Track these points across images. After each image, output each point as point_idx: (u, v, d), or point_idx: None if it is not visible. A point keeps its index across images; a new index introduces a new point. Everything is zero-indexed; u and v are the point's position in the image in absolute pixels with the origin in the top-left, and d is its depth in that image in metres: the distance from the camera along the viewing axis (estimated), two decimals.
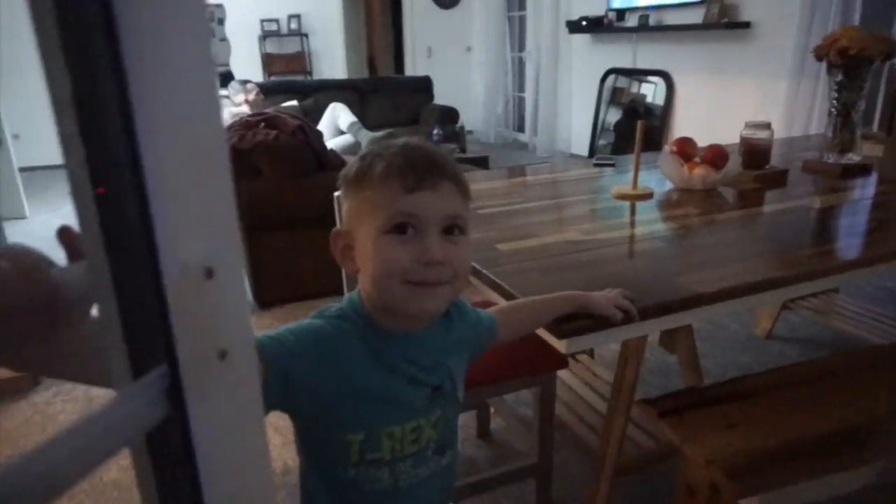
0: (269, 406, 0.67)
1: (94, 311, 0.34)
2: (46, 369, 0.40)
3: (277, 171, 2.62)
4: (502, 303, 1.05)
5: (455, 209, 0.71)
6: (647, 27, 4.98)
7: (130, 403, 0.29)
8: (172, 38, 0.27)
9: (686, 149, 1.75)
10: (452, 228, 0.71)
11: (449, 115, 5.27)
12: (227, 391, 0.32)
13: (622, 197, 1.64)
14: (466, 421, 1.95)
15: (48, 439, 0.26)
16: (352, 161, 0.75)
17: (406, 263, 0.68)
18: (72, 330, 0.38)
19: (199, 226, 0.29)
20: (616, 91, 5.49)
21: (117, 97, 0.26)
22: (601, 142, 5.59)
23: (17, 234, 3.95)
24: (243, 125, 2.69)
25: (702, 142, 1.81)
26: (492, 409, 1.91)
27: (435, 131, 4.40)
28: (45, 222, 4.27)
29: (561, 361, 1.48)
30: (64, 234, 0.37)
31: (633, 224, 1.49)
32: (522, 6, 6.62)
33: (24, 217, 4.45)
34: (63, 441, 0.26)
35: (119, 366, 0.30)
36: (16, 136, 4.74)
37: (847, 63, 1.77)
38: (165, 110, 0.27)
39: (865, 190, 1.76)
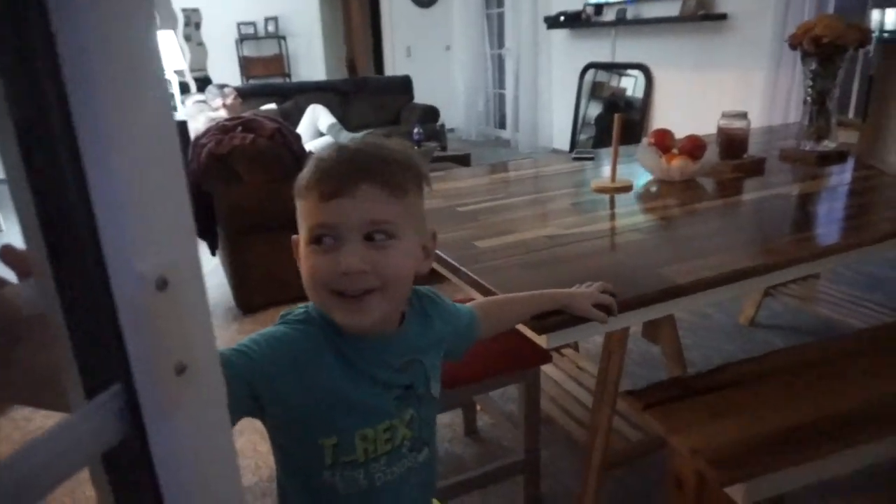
0: (239, 415, 0.66)
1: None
2: (4, 394, 0.39)
3: (256, 175, 2.60)
4: (480, 298, 1.04)
5: (376, 214, 0.67)
6: (625, 21, 5.00)
7: (84, 425, 0.28)
8: (114, 32, 0.25)
9: (664, 140, 1.75)
10: (374, 234, 0.68)
11: (430, 114, 5.26)
12: (188, 408, 0.31)
13: (601, 190, 1.64)
14: (453, 419, 1.95)
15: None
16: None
17: (325, 273, 0.67)
18: (31, 348, 0.37)
19: (151, 235, 0.28)
20: (596, 85, 5.51)
21: (56, 99, 0.25)
22: (582, 136, 5.61)
23: None
24: (220, 129, 2.66)
25: (682, 133, 1.82)
26: (478, 407, 1.91)
27: (416, 130, 4.39)
28: (21, 236, 4.19)
29: (544, 356, 1.48)
30: (6, 254, 0.35)
31: (612, 217, 1.49)
32: (500, 3, 6.62)
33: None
34: (10, 465, 0.25)
35: (72, 385, 0.29)
36: None
37: (821, 51, 1.78)
38: (109, 112, 0.26)
39: (842, 176, 1.78)
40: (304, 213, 0.69)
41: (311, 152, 2.95)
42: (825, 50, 1.77)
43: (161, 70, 0.28)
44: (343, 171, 0.67)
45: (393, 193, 0.68)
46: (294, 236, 0.74)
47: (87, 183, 0.26)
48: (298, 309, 0.74)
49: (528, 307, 0.97)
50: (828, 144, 1.89)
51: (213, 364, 0.32)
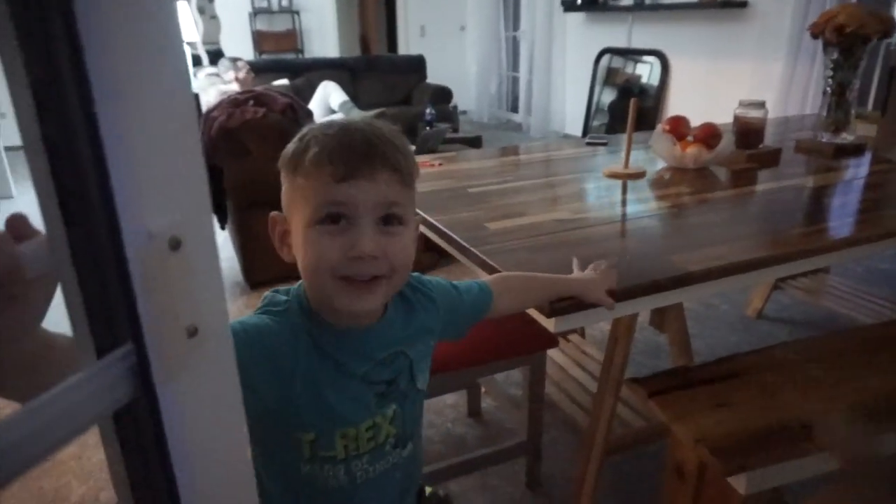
0: None
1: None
2: None
3: (266, 150, 2.59)
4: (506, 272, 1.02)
5: (392, 197, 0.65)
6: (643, 6, 4.93)
7: (94, 383, 0.28)
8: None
9: (679, 128, 1.73)
10: (391, 218, 0.66)
11: (442, 95, 5.22)
12: (198, 371, 0.31)
13: (614, 176, 1.63)
14: (457, 400, 1.96)
15: (6, 417, 0.25)
16: (293, 139, 0.69)
17: (335, 257, 0.64)
18: (28, 315, 0.37)
19: (165, 194, 0.28)
20: (611, 71, 5.45)
21: (71, 60, 0.25)
22: (595, 122, 5.55)
23: (3, 213, 3.89)
24: (231, 103, 2.65)
25: (697, 122, 1.80)
26: (482, 389, 1.91)
27: (428, 111, 4.36)
28: (33, 202, 4.20)
29: (551, 341, 1.47)
30: (15, 223, 0.35)
31: (624, 203, 1.48)
32: None
33: (10, 197, 4.40)
34: (23, 419, 0.25)
35: (82, 343, 0.29)
36: (2, 115, 4.66)
37: (843, 41, 1.75)
38: (125, 72, 0.26)
39: (859, 170, 1.75)
40: (310, 190, 0.65)
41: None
42: (847, 39, 1.74)
43: (177, 30, 0.27)
44: (361, 152, 0.64)
45: (405, 180, 0.67)
46: (274, 213, 0.71)
47: (100, 141, 0.25)
48: (280, 297, 0.71)
49: (546, 291, 0.96)
50: (845, 137, 1.86)
51: (223, 328, 0.32)
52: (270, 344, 0.66)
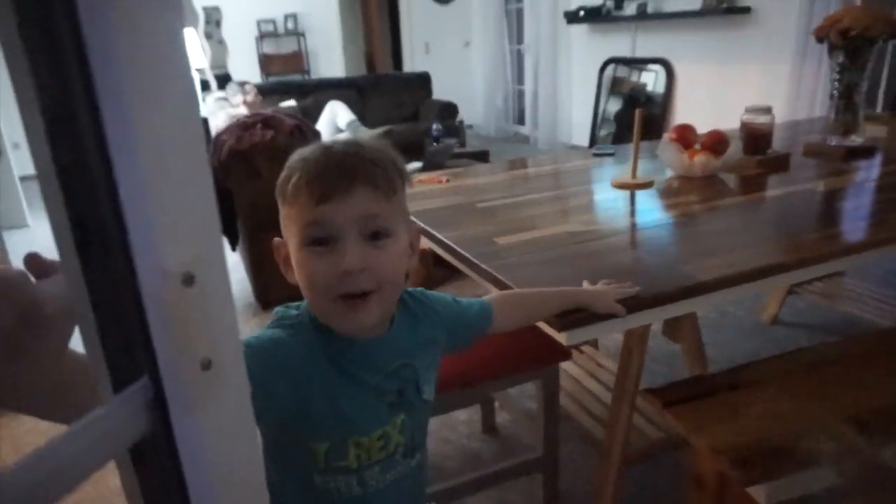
0: None
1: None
2: (13, 401, 0.39)
3: (275, 172, 2.60)
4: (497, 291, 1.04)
5: (371, 209, 0.67)
6: (646, 15, 4.94)
7: (111, 418, 0.28)
8: (143, 26, 0.26)
9: (686, 136, 1.73)
10: (375, 232, 0.68)
11: (448, 110, 5.25)
12: (213, 403, 0.31)
13: (621, 186, 1.63)
14: (471, 416, 1.95)
15: (28, 456, 0.25)
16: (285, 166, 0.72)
17: (326, 277, 0.67)
18: (53, 346, 0.37)
19: (178, 230, 0.28)
20: (616, 81, 5.46)
21: (84, 95, 0.25)
22: (602, 132, 5.56)
23: (19, 243, 3.95)
24: (240, 126, 2.68)
25: (704, 129, 1.80)
26: (496, 404, 1.90)
27: (434, 126, 4.39)
28: (47, 231, 4.26)
29: (564, 353, 1.47)
30: (32, 261, 0.36)
31: (633, 213, 1.48)
32: None
33: (25, 226, 4.46)
34: (42, 457, 0.25)
35: (100, 379, 0.29)
36: (16, 146, 4.74)
37: (848, 44, 1.74)
38: (138, 107, 0.26)
39: (870, 172, 1.74)
40: (295, 216, 0.68)
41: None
42: (853, 42, 1.73)
43: (187, 65, 0.28)
44: (336, 173, 0.66)
45: (384, 193, 0.68)
46: (276, 239, 0.74)
47: (114, 179, 0.26)
48: (291, 311, 0.74)
49: (551, 305, 0.96)
50: (855, 139, 1.85)
51: (237, 360, 0.32)
52: (284, 355, 0.68)
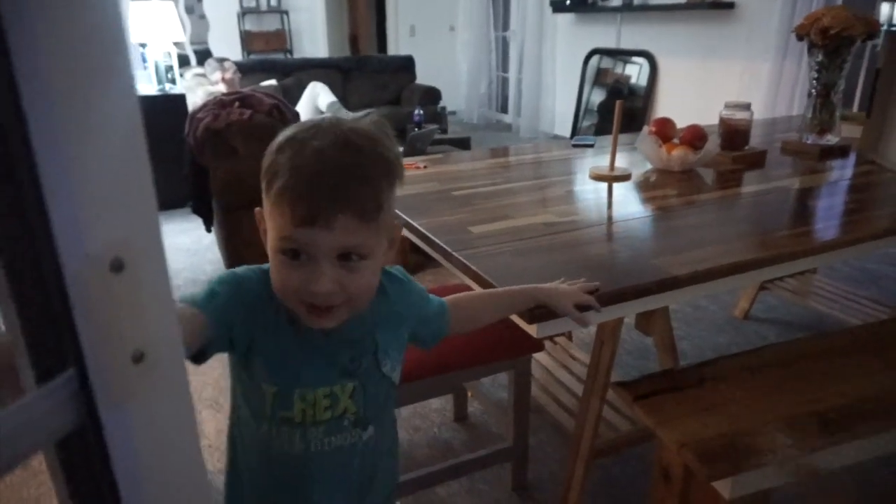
0: (214, 351, 0.70)
1: None
2: None
3: (252, 151, 2.56)
4: (460, 292, 1.02)
5: (351, 241, 0.66)
6: (632, 7, 4.94)
7: (34, 410, 0.26)
8: None
9: (665, 129, 1.73)
10: (350, 255, 0.67)
11: (431, 96, 5.20)
12: (146, 397, 0.29)
13: (599, 178, 1.62)
14: (443, 405, 1.94)
15: None
16: (275, 141, 0.69)
17: (296, 285, 0.68)
18: None
19: (105, 210, 0.26)
20: (600, 72, 5.45)
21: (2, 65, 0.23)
22: (585, 123, 5.56)
23: None
24: (217, 104, 2.62)
25: (685, 123, 1.79)
26: (469, 393, 1.90)
27: (417, 112, 4.35)
28: None
29: (536, 345, 1.47)
30: None
31: (609, 205, 1.48)
32: None
33: None
34: None
35: (23, 370, 0.28)
36: None
37: (828, 43, 1.75)
38: (57, 65, 0.24)
39: (844, 171, 1.75)
40: (275, 217, 0.67)
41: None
42: (832, 41, 1.74)
43: (119, 25, 0.26)
44: (323, 194, 0.64)
45: (371, 216, 0.67)
46: (258, 209, 0.73)
47: (32, 150, 0.24)
48: (264, 266, 0.75)
49: (505, 306, 0.95)
50: (830, 138, 1.87)
51: (174, 352, 0.30)
52: (246, 291, 0.72)
